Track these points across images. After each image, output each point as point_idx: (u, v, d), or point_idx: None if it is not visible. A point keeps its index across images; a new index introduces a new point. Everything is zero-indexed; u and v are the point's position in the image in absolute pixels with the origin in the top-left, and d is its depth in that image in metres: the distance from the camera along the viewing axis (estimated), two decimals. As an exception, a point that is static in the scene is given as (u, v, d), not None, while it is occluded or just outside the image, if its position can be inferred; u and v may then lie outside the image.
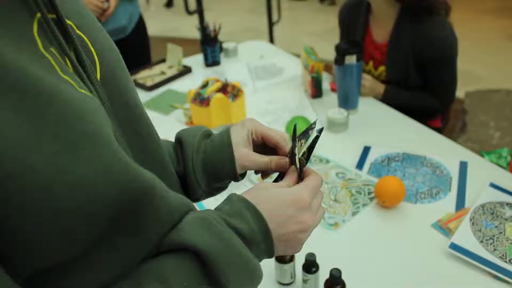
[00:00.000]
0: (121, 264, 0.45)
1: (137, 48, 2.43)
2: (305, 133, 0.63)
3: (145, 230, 0.47)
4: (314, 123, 0.63)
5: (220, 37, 2.23)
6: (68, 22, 0.47)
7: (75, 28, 0.49)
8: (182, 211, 0.52)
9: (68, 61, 0.45)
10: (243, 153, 0.67)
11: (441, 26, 1.66)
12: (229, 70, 2.17)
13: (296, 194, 0.55)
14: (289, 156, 0.66)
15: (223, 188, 0.74)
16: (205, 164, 0.69)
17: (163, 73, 2.16)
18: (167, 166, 0.63)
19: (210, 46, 2.16)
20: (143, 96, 1.97)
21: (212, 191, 0.72)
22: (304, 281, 1.00)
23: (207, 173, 0.69)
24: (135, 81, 2.07)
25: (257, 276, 0.53)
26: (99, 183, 0.39)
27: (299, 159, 0.62)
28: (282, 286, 1.05)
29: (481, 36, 4.57)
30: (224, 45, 2.28)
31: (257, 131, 0.69)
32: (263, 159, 0.67)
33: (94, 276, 0.43)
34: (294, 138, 0.63)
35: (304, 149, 0.61)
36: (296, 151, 0.62)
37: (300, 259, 1.03)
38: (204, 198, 0.73)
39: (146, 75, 2.14)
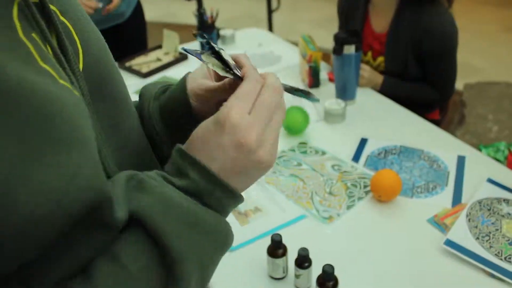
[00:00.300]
0: (86, 257, 0.43)
1: (134, 33, 2.40)
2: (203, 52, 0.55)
3: (105, 230, 0.43)
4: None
5: (218, 24, 2.19)
6: (52, 7, 0.45)
7: (59, 14, 0.46)
8: None
9: (49, 49, 0.42)
10: (196, 83, 0.61)
11: (442, 17, 1.62)
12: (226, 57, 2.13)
13: (219, 115, 0.45)
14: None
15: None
16: (161, 108, 0.63)
17: (159, 59, 2.12)
18: (150, 160, 0.60)
19: (207, 33, 2.12)
20: (138, 83, 1.93)
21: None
22: (297, 276, 0.99)
23: (164, 118, 0.63)
24: (130, 67, 2.04)
25: (218, 233, 0.46)
26: (64, 191, 0.36)
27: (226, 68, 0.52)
28: (274, 281, 1.03)
29: (481, 28, 4.53)
30: (222, 32, 2.24)
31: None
32: (218, 84, 0.59)
33: (57, 272, 0.41)
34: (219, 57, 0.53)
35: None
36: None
37: (293, 253, 1.01)
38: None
39: (142, 62, 2.10)
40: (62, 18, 0.46)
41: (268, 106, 0.47)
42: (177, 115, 0.62)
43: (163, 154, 0.64)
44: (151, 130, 0.63)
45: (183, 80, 0.62)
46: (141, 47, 2.36)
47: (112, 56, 0.55)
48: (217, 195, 0.46)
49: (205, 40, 0.53)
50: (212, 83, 0.59)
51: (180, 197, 0.44)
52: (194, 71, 0.63)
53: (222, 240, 0.47)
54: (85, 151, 0.38)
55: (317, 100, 0.59)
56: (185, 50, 0.54)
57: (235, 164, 0.45)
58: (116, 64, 0.56)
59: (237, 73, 0.51)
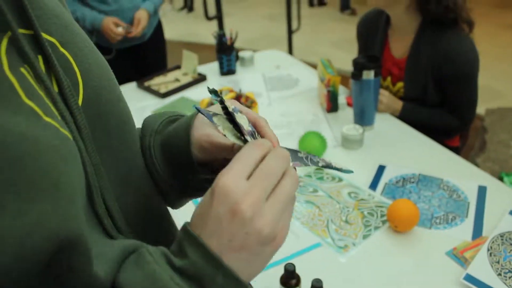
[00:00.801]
0: None
1: (154, 53, 2.44)
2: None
3: (77, 281, 0.41)
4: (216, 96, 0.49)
5: (238, 44, 2.21)
6: (51, 39, 0.44)
7: (59, 46, 0.45)
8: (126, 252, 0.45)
9: (37, 83, 0.41)
10: (204, 132, 0.56)
11: (462, 42, 1.60)
12: (245, 79, 2.14)
13: (213, 186, 0.41)
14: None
15: (198, 188, 0.61)
16: (163, 146, 0.60)
17: (177, 80, 2.13)
18: (149, 192, 0.58)
19: (226, 54, 2.13)
20: (156, 103, 1.94)
21: (185, 189, 0.62)
22: (310, 308, 0.96)
23: (165, 158, 0.60)
24: (149, 87, 2.05)
25: None
26: (25, 239, 0.34)
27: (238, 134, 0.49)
28: (286, 311, 1.01)
29: (503, 51, 4.48)
30: (240, 54, 2.25)
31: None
32: (228, 142, 0.54)
33: None
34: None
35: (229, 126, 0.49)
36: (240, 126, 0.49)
37: (306, 283, 0.98)
38: (178, 200, 0.65)
39: (161, 82, 2.12)
40: (62, 49, 0.45)
41: (270, 172, 0.41)
42: (178, 161, 0.59)
43: (166, 194, 0.62)
44: (151, 167, 0.60)
45: (187, 125, 0.58)
46: (160, 67, 2.39)
47: (115, 82, 0.53)
48: (219, 281, 0.40)
49: (218, 99, 0.49)
50: (221, 139, 0.55)
51: (171, 280, 0.40)
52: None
53: None
54: (55, 197, 0.36)
55: (351, 172, 0.54)
56: (197, 109, 0.50)
57: (233, 238, 0.40)
58: (120, 90, 0.55)
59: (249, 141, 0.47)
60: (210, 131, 0.56)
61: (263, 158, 0.43)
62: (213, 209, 0.40)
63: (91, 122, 0.47)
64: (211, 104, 1.61)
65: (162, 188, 0.62)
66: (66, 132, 0.41)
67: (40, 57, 0.43)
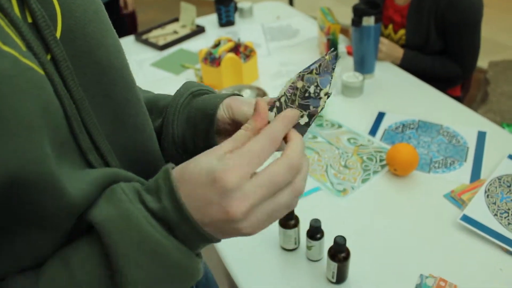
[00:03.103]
0: (30, 252, 0.42)
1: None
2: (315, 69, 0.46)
3: (45, 218, 0.41)
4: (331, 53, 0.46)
5: (236, -3, 2.17)
6: None
7: None
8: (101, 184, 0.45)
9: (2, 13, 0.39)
10: (236, 98, 0.58)
11: (467, -12, 1.56)
12: (243, 30, 2.10)
13: (216, 168, 0.40)
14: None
15: None
16: (189, 111, 0.61)
17: (175, 32, 2.10)
18: (144, 131, 0.57)
19: (224, 5, 2.09)
20: (155, 55, 1.92)
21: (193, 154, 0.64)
22: (308, 248, 0.98)
23: (188, 126, 0.61)
24: (147, 40, 2.02)
25: (180, 268, 0.43)
26: None
27: (280, 101, 0.47)
28: (285, 252, 1.02)
29: (508, 4, 4.38)
30: (239, 5, 2.21)
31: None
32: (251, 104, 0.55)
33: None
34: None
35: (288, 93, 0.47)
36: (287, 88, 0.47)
37: (305, 225, 1.00)
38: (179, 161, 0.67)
39: (159, 34, 2.09)
40: None
41: (275, 183, 0.41)
42: (200, 128, 0.59)
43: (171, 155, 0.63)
44: (168, 137, 0.61)
45: (222, 98, 0.58)
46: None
47: (104, 15, 0.51)
48: (185, 230, 0.42)
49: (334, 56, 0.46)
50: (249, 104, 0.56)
51: (145, 220, 0.41)
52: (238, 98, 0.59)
53: (184, 277, 0.44)
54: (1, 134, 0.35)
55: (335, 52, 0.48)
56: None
57: (215, 225, 0.41)
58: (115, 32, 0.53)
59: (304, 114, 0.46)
60: (242, 99, 0.58)
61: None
62: (206, 191, 0.40)
63: (75, 55, 0.45)
64: (209, 53, 1.59)
65: (168, 152, 0.62)
66: (29, 62, 0.39)
67: None
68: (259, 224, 0.41)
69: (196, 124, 0.60)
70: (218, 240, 0.44)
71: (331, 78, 0.46)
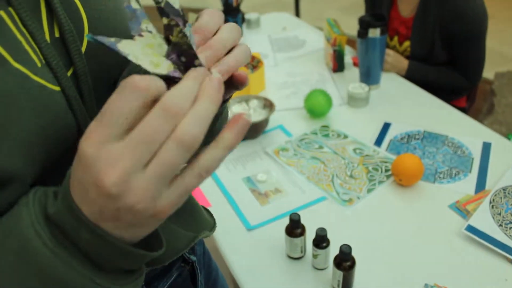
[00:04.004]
0: None
1: None
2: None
3: None
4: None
5: (244, 9, 2.19)
6: None
7: None
8: None
9: (18, 28, 0.40)
10: None
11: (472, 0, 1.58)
12: (251, 41, 2.13)
13: (79, 145, 0.33)
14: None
15: None
16: None
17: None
18: None
19: (231, 16, 2.12)
20: (163, 65, 1.95)
21: None
22: (314, 256, 0.99)
23: None
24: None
25: (51, 278, 0.36)
26: None
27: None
28: (292, 260, 1.04)
29: (514, 15, 4.40)
30: (246, 16, 2.24)
31: None
32: None
33: None
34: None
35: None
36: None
37: (311, 234, 1.01)
38: None
39: (167, 44, 2.12)
40: None
41: (147, 136, 0.31)
42: None
43: None
44: None
45: None
46: None
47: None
48: (85, 236, 0.35)
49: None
50: None
51: (31, 225, 0.36)
52: None
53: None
54: None
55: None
56: (93, 39, 0.35)
57: (103, 210, 0.34)
58: None
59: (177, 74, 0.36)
60: None
61: (146, 109, 0.32)
62: (80, 176, 0.33)
63: (96, 71, 0.46)
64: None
65: None
66: (40, 80, 0.40)
67: (42, 2, 0.42)
68: (153, 194, 0.32)
69: None
70: (143, 260, 0.38)
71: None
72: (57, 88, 0.42)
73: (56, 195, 0.38)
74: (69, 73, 0.44)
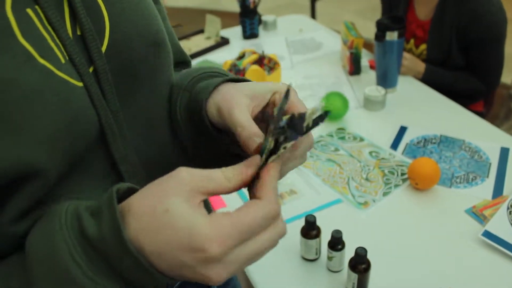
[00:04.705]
0: None
1: None
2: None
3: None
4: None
5: (260, 11, 2.20)
6: None
7: None
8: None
9: (44, 25, 0.41)
10: (231, 93, 0.48)
11: (491, 3, 1.57)
12: (267, 43, 2.13)
13: (197, 240, 0.36)
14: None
15: (220, 156, 0.55)
16: (188, 105, 0.54)
17: (200, 44, 2.14)
18: (174, 147, 0.57)
19: (248, 18, 2.13)
20: (180, 66, 1.96)
21: (208, 156, 0.57)
22: (329, 258, 0.99)
23: (189, 118, 0.54)
24: (172, 51, 2.06)
25: None
26: None
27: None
28: (306, 262, 1.04)
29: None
30: (263, 18, 2.25)
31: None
32: (243, 117, 0.46)
33: None
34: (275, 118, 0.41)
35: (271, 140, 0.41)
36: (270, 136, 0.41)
37: (326, 236, 1.01)
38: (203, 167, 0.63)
39: (183, 46, 2.13)
40: None
41: (258, 249, 0.39)
42: (197, 123, 0.53)
43: (193, 158, 0.59)
44: (176, 126, 0.57)
45: (213, 86, 0.51)
46: None
47: (158, 29, 0.52)
48: (126, 263, 0.37)
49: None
50: (241, 114, 0.46)
51: (70, 256, 0.37)
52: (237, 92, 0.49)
53: None
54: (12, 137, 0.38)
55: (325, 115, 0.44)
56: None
57: (183, 276, 0.38)
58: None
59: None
60: (240, 96, 0.48)
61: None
62: (183, 255, 0.37)
63: (117, 68, 0.47)
64: (234, 65, 1.62)
65: (188, 152, 0.59)
66: (64, 75, 0.41)
67: (65, 1, 0.43)
68: (233, 271, 0.38)
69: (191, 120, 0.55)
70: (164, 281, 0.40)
71: (299, 137, 0.41)
72: (80, 84, 0.43)
73: (92, 214, 0.39)
74: (90, 70, 0.45)
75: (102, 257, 0.38)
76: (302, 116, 0.40)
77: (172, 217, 0.37)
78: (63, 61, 0.42)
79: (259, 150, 0.43)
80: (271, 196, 0.39)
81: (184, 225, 0.36)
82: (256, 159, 0.42)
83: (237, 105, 0.47)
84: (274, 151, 0.41)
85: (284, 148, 0.40)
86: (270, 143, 0.40)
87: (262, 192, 0.40)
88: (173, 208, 0.37)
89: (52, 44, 0.41)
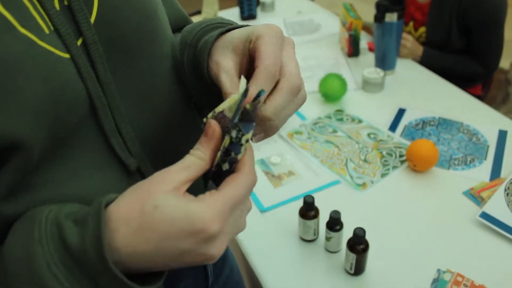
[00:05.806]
0: None
1: None
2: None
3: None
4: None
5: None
6: None
7: None
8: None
9: None
10: (219, 54, 0.50)
11: (491, -14, 1.56)
12: (265, 24, 2.11)
13: (197, 223, 0.37)
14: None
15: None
16: (193, 61, 0.55)
17: (197, 24, 2.12)
18: (170, 119, 0.57)
19: (246, -1, 2.11)
20: (177, 47, 1.95)
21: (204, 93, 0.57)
22: (327, 239, 0.99)
23: (195, 74, 0.56)
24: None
25: None
26: None
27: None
28: (304, 243, 1.04)
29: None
30: (261, -1, 2.23)
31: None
32: (227, 83, 0.47)
33: None
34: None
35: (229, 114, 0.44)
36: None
37: (324, 217, 1.01)
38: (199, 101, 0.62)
39: (181, 26, 2.11)
40: None
41: (246, 209, 0.44)
42: (204, 81, 0.54)
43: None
44: (187, 85, 0.58)
45: (210, 45, 0.51)
46: None
47: (155, 5, 0.51)
48: (106, 276, 0.38)
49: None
50: (223, 77, 0.48)
51: (47, 267, 0.38)
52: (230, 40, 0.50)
53: None
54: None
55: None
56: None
57: (182, 263, 0.40)
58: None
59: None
60: (220, 59, 0.49)
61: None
62: (181, 241, 0.38)
63: (108, 39, 0.45)
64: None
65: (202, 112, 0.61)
66: (47, 46, 0.40)
67: None
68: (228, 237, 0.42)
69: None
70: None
71: (254, 124, 0.42)
72: (66, 55, 0.42)
73: (76, 222, 0.39)
74: (79, 42, 0.43)
75: (82, 268, 0.38)
76: (247, 110, 0.41)
77: (165, 211, 0.38)
78: (47, 31, 0.40)
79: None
80: (250, 168, 0.42)
81: (180, 215, 0.37)
82: (212, 124, 0.43)
83: (222, 69, 0.48)
84: (237, 147, 0.42)
85: (247, 140, 0.42)
86: (226, 141, 0.42)
87: (241, 164, 0.42)
88: (162, 203, 0.38)
89: (35, 14, 0.40)
